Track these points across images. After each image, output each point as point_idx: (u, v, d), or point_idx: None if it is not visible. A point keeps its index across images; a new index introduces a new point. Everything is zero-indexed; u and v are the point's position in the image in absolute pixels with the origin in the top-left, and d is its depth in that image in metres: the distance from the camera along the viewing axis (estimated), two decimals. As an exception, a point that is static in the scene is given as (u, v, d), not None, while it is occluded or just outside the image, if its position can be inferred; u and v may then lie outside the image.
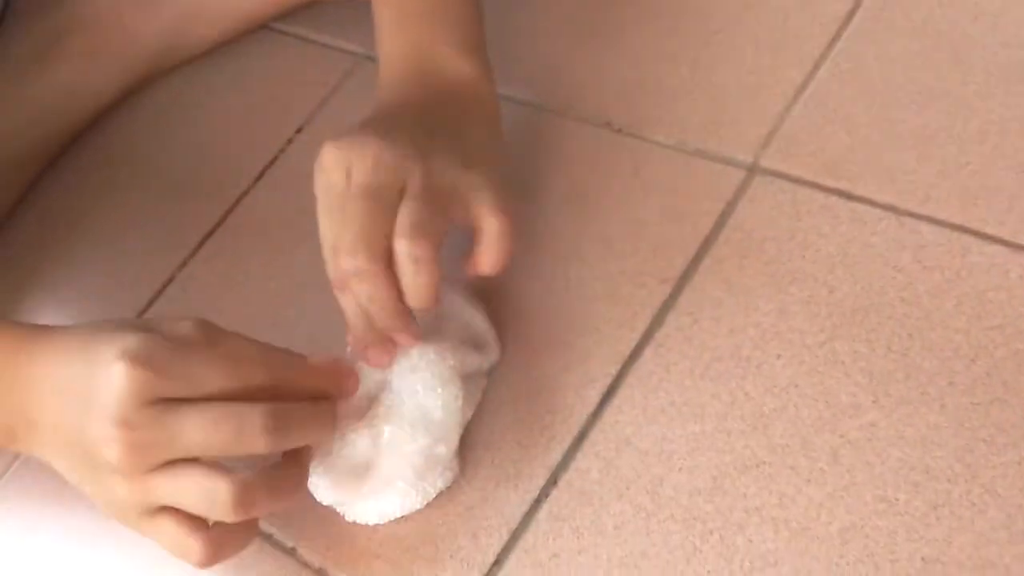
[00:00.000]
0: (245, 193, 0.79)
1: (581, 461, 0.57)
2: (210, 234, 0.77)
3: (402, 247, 0.55)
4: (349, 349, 0.59)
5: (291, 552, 0.60)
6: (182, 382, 0.51)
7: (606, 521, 0.55)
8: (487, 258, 0.58)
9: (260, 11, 0.87)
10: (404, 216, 0.55)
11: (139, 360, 0.50)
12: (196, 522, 0.53)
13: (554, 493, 0.57)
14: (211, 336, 0.53)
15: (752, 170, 0.65)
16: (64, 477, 0.56)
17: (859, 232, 0.60)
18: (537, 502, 0.57)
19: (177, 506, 0.52)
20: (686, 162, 0.67)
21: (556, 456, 0.58)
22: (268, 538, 0.61)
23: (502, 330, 0.62)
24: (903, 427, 0.53)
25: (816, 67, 0.68)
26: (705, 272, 0.62)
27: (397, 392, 0.57)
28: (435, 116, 0.61)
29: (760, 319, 0.59)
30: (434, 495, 0.57)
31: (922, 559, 0.49)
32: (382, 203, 0.55)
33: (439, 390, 0.57)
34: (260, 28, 0.89)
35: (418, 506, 0.57)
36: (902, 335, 0.56)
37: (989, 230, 0.58)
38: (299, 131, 0.81)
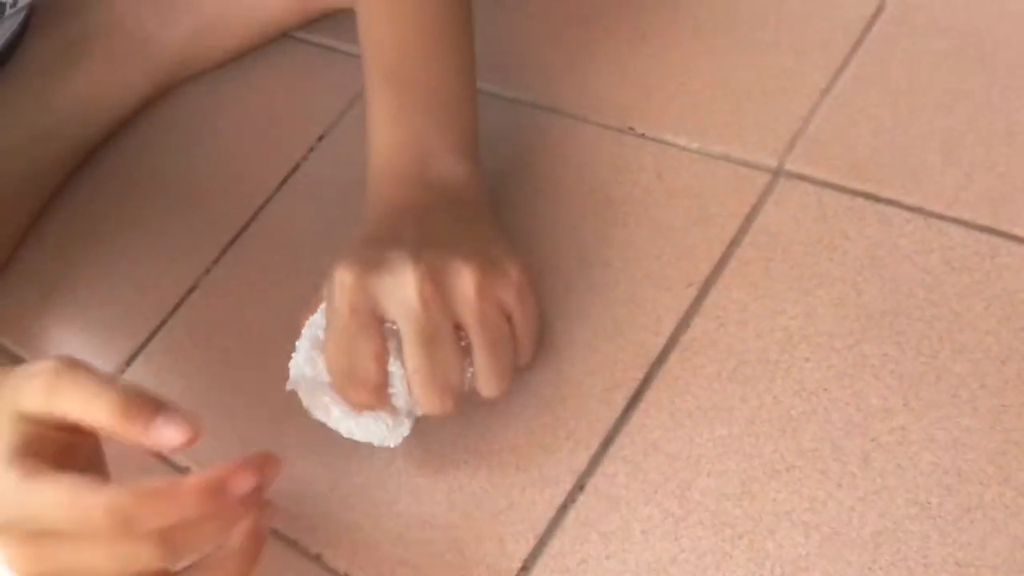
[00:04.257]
0: (268, 201, 0.79)
1: (608, 466, 0.57)
2: (233, 241, 0.77)
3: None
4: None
5: (316, 558, 0.59)
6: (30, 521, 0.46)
7: (634, 526, 0.55)
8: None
9: (281, 19, 0.87)
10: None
11: None
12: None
13: (581, 498, 0.56)
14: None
15: (777, 173, 0.64)
16: None
17: (886, 234, 0.60)
18: (564, 507, 0.56)
19: None
20: (710, 166, 0.66)
21: (583, 461, 0.57)
22: (293, 544, 0.60)
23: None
24: (934, 430, 0.52)
25: (840, 70, 0.67)
26: (731, 275, 0.61)
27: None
28: (435, 222, 0.60)
29: (787, 322, 0.58)
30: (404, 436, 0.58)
31: (956, 563, 0.49)
32: (445, 343, 0.55)
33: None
34: (281, 36, 0.89)
35: (391, 441, 0.58)
36: (931, 337, 0.55)
37: (1018, 231, 0.57)
38: (321, 139, 0.81)
